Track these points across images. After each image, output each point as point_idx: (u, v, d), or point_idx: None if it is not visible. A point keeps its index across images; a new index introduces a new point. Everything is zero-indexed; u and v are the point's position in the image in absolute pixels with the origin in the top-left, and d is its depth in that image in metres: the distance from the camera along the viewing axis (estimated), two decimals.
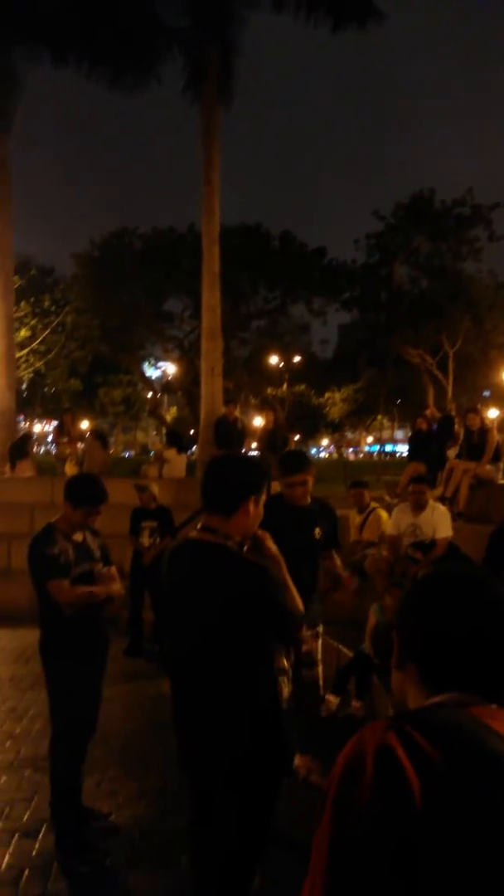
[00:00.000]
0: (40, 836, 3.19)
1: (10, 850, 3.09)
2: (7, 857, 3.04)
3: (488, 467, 7.63)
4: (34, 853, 3.07)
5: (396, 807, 0.73)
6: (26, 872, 2.92)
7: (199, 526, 2.12)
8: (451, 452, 8.55)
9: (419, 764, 0.76)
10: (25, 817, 3.37)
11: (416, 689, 0.96)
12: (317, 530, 3.52)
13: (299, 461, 3.57)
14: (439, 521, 5.26)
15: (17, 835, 3.21)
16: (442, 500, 6.99)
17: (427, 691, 0.94)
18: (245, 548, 2.14)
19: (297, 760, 3.37)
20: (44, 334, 23.40)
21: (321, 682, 3.65)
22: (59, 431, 11.46)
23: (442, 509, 5.44)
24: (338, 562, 3.82)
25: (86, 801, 3.29)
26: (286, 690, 3.27)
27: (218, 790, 2.01)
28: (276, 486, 8.02)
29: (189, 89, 12.88)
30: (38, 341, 23.34)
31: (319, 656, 3.62)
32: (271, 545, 2.21)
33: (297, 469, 3.46)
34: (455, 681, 0.93)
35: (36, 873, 2.92)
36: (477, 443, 7.68)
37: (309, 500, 3.50)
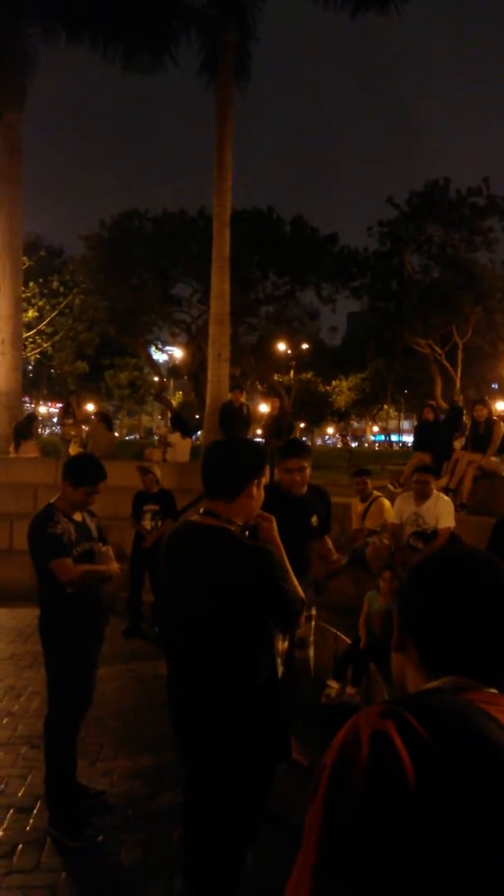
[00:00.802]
0: (35, 811, 3.23)
1: (5, 825, 3.12)
2: (1, 832, 3.07)
3: (493, 459, 7.59)
4: (28, 828, 3.10)
5: (390, 790, 0.73)
6: (20, 847, 2.95)
7: (201, 510, 2.11)
8: (458, 444, 8.51)
9: (414, 749, 0.75)
10: (20, 793, 3.40)
11: (416, 672, 0.96)
12: (313, 518, 3.52)
13: (298, 447, 3.60)
14: (442, 512, 5.23)
15: (11, 810, 3.24)
16: (446, 490, 6.97)
17: (426, 675, 0.93)
18: (247, 533, 2.14)
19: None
20: (51, 315, 23.34)
21: (312, 664, 3.68)
22: (64, 413, 11.47)
23: (445, 500, 5.42)
24: (329, 543, 3.81)
25: (80, 779, 3.33)
26: (280, 672, 3.28)
27: (213, 770, 2.01)
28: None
29: (205, 71, 12.75)
30: (45, 322, 23.29)
31: (312, 638, 3.68)
32: (274, 532, 2.21)
33: (295, 454, 3.46)
34: (454, 664, 0.92)
35: (29, 848, 2.95)
36: (483, 434, 7.63)
37: (305, 489, 3.49)
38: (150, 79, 13.21)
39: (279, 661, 3.36)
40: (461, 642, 0.92)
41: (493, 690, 0.91)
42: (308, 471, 3.45)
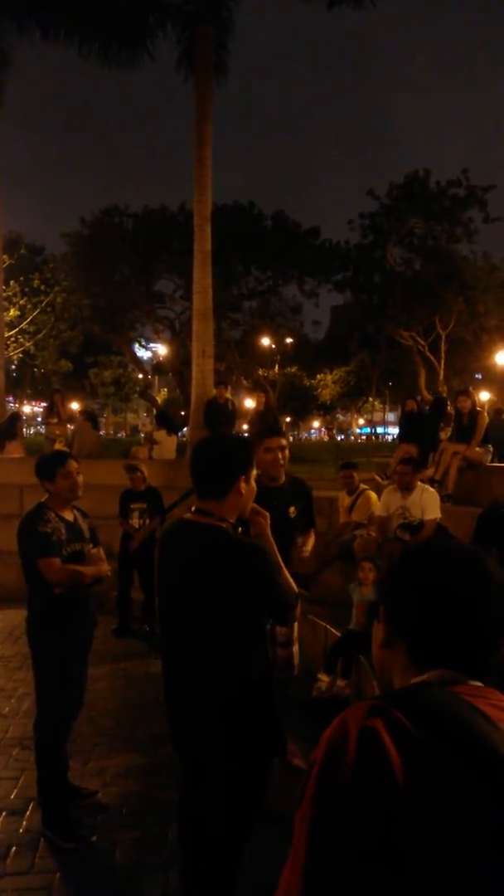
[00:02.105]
0: (27, 813, 3.21)
1: None
2: None
3: (477, 450, 7.64)
4: (21, 830, 3.09)
5: (379, 787, 0.73)
6: (13, 850, 2.94)
7: (192, 508, 2.11)
8: (444, 434, 8.56)
9: (402, 744, 0.75)
10: (13, 795, 3.39)
11: (403, 666, 0.96)
12: (291, 509, 3.48)
13: (276, 428, 3.59)
14: (428, 503, 5.26)
15: (3, 813, 3.23)
16: (431, 482, 7.01)
17: (413, 669, 0.94)
18: (240, 529, 2.14)
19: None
20: (33, 314, 23.15)
21: (296, 662, 3.63)
22: (48, 412, 11.38)
23: (431, 491, 5.45)
24: (309, 545, 3.77)
25: (73, 779, 3.32)
26: None
27: (209, 767, 2.02)
28: None
29: (182, 65, 12.65)
30: (27, 321, 23.09)
31: (296, 635, 3.61)
32: (266, 528, 2.21)
33: (274, 433, 3.44)
34: (441, 657, 0.92)
35: (23, 850, 2.94)
36: (467, 425, 7.68)
37: (283, 475, 3.45)
38: (129, 75, 13.11)
39: None
40: (447, 636, 0.92)
41: (479, 683, 0.92)
42: (287, 452, 3.41)
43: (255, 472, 2.18)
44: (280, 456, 3.37)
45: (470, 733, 0.77)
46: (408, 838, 0.70)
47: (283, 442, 3.41)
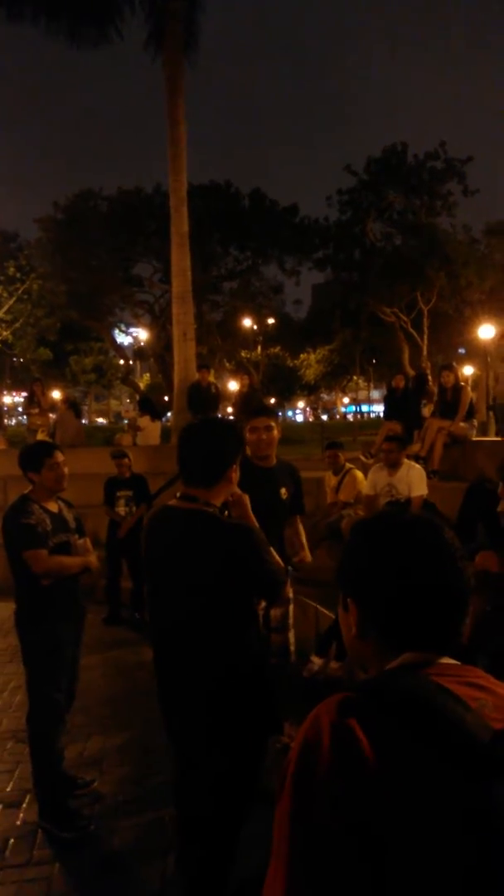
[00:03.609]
0: (24, 805, 3.22)
1: None
2: None
3: (462, 425, 7.66)
4: (18, 822, 3.10)
5: (354, 781, 0.73)
6: (11, 841, 2.95)
7: (178, 495, 2.09)
8: (427, 411, 8.58)
9: (375, 737, 0.75)
10: (9, 788, 3.39)
11: (376, 652, 0.94)
12: (282, 490, 3.46)
13: (264, 407, 3.62)
14: (414, 480, 5.28)
15: (0, 805, 3.23)
16: (417, 458, 7.03)
17: (387, 654, 0.92)
18: (227, 513, 2.13)
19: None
20: (9, 303, 22.83)
21: (293, 647, 3.63)
22: (29, 402, 11.25)
23: (417, 468, 5.46)
24: (301, 535, 3.77)
25: (69, 769, 3.32)
26: None
27: (203, 750, 2.02)
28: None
29: (151, 43, 12.36)
30: (3, 310, 22.76)
31: (292, 621, 3.59)
32: (248, 509, 2.22)
33: (261, 412, 3.42)
34: (414, 639, 0.91)
35: (21, 842, 2.95)
36: (451, 400, 7.69)
37: (274, 456, 3.43)
38: (98, 52, 12.80)
39: None
40: (421, 618, 0.91)
41: (454, 661, 0.92)
42: (276, 432, 3.37)
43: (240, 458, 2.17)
44: (265, 436, 3.33)
45: (443, 719, 0.76)
46: (386, 827, 0.70)
47: (271, 422, 3.36)
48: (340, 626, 1.04)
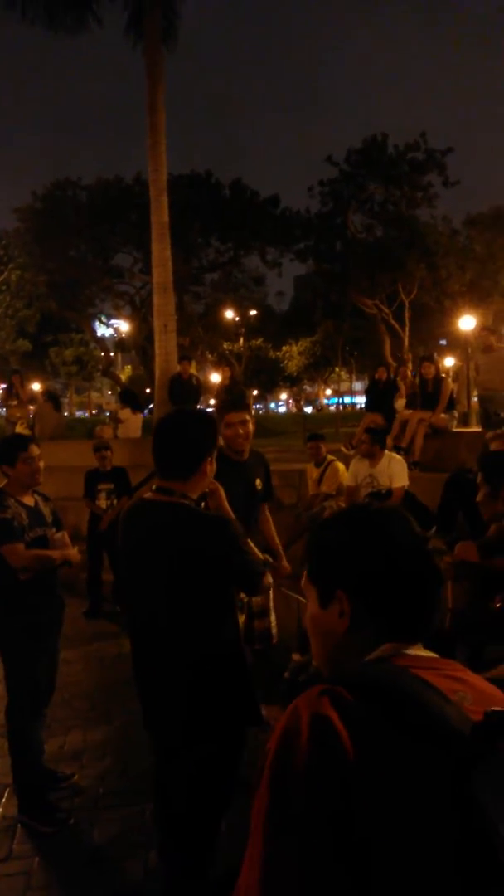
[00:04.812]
0: (3, 800, 3.19)
1: None
2: None
3: (443, 416, 7.72)
4: None
5: (333, 774, 0.72)
6: None
7: (153, 487, 2.08)
8: (399, 404, 8.63)
9: (354, 728, 0.74)
10: None
11: (360, 644, 0.93)
12: (257, 481, 3.51)
13: (238, 402, 3.61)
14: (395, 471, 5.30)
15: None
16: (398, 449, 7.06)
17: (368, 646, 0.92)
18: (203, 504, 2.12)
19: (265, 711, 3.42)
20: None
21: (275, 631, 3.69)
22: (7, 394, 11.11)
23: (398, 459, 5.48)
24: (272, 530, 3.78)
25: (49, 763, 3.30)
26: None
27: (182, 742, 2.01)
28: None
29: (132, 30, 12.20)
30: None
31: (272, 605, 3.65)
32: (223, 500, 2.22)
33: (235, 407, 3.44)
34: (392, 630, 0.91)
35: (0, 836, 2.92)
36: (431, 392, 7.74)
37: (248, 448, 3.46)
38: (77, 38, 12.58)
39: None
40: (403, 607, 0.92)
41: (433, 654, 0.91)
42: (251, 426, 3.41)
43: (216, 451, 2.16)
44: (241, 431, 3.36)
45: (423, 712, 0.76)
46: (366, 819, 0.69)
47: (246, 417, 3.39)
48: (309, 623, 1.02)
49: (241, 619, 3.48)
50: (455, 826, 0.69)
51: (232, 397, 10.56)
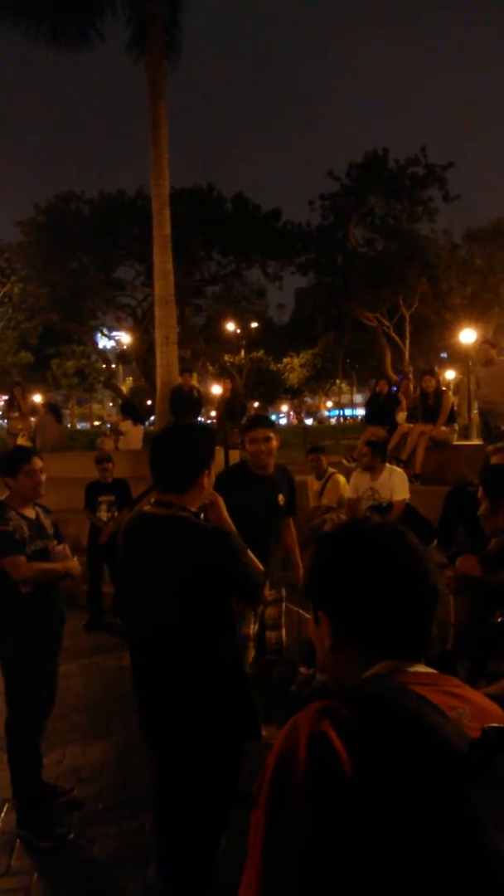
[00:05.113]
0: (2, 814, 3.17)
1: None
2: None
3: (444, 429, 7.73)
4: None
5: (330, 791, 0.72)
6: None
7: (152, 501, 2.09)
8: (401, 417, 8.67)
9: (352, 745, 0.74)
10: None
11: (351, 663, 0.94)
12: (280, 497, 3.52)
13: (262, 418, 3.66)
14: (396, 484, 5.30)
15: None
16: (398, 461, 7.07)
17: (362, 664, 0.92)
18: (203, 516, 2.13)
19: (265, 732, 3.39)
20: None
21: (284, 644, 3.70)
22: (8, 406, 11.13)
23: (399, 472, 5.49)
24: (294, 544, 3.81)
25: (48, 777, 3.28)
26: (251, 655, 3.30)
27: (181, 756, 2.01)
28: (234, 455, 7.95)
29: (134, 46, 12.34)
30: None
31: (283, 620, 3.66)
32: (222, 512, 2.23)
33: (259, 424, 3.46)
34: (389, 647, 0.91)
35: None
36: (432, 405, 7.76)
37: (272, 464, 3.47)
38: (80, 54, 12.73)
39: (250, 643, 3.37)
40: (395, 625, 0.92)
41: (431, 670, 0.91)
42: (275, 442, 3.42)
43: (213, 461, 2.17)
44: (264, 447, 3.37)
45: (421, 729, 0.76)
46: (365, 837, 0.69)
47: (269, 433, 3.40)
48: (313, 640, 1.03)
49: (255, 628, 3.49)
50: (454, 844, 0.69)
51: (234, 409, 10.61)
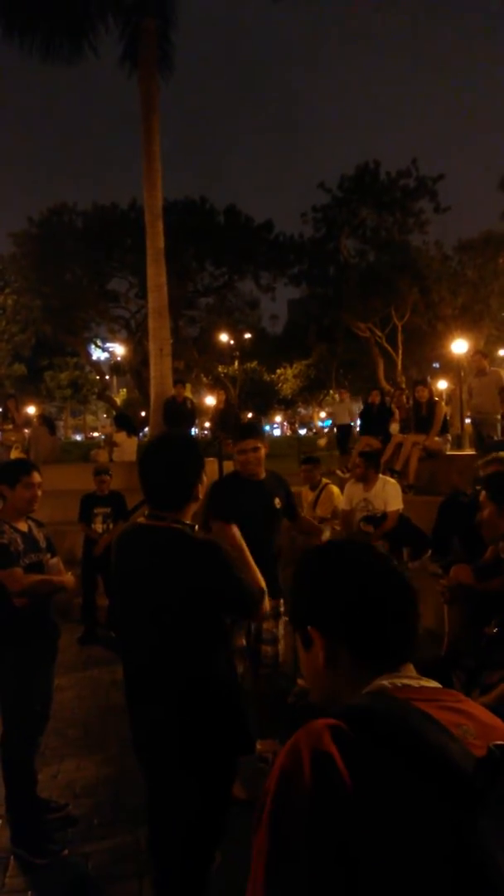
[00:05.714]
0: None
1: None
2: None
3: (437, 439, 7.76)
4: None
5: (335, 811, 0.71)
6: None
7: (146, 513, 2.08)
8: (394, 428, 8.73)
9: (355, 766, 0.73)
10: None
11: (347, 679, 0.93)
12: (276, 500, 3.56)
13: (250, 428, 3.77)
14: (390, 495, 5.31)
15: None
16: (392, 472, 7.09)
17: (358, 680, 0.91)
18: (196, 527, 2.12)
19: (260, 745, 3.36)
20: None
21: (281, 658, 3.65)
22: (2, 418, 11.12)
23: (392, 482, 5.51)
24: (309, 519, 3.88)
25: (42, 792, 3.25)
26: (240, 668, 3.27)
27: (173, 770, 1.99)
28: (228, 466, 7.95)
29: (127, 60, 12.46)
30: None
31: (282, 633, 3.60)
32: (237, 538, 2.20)
33: (248, 434, 3.55)
34: (383, 662, 0.92)
35: None
36: (425, 415, 7.79)
37: (263, 471, 3.56)
38: (73, 68, 12.84)
39: (241, 656, 3.34)
40: (388, 639, 0.92)
41: (435, 684, 0.91)
42: (263, 451, 3.51)
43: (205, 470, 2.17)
44: (252, 457, 3.48)
45: (424, 746, 0.75)
46: (366, 858, 0.69)
47: (258, 443, 3.51)
48: (301, 666, 1.03)
49: (242, 642, 3.46)
50: (457, 866, 0.69)
51: (228, 421, 10.63)
